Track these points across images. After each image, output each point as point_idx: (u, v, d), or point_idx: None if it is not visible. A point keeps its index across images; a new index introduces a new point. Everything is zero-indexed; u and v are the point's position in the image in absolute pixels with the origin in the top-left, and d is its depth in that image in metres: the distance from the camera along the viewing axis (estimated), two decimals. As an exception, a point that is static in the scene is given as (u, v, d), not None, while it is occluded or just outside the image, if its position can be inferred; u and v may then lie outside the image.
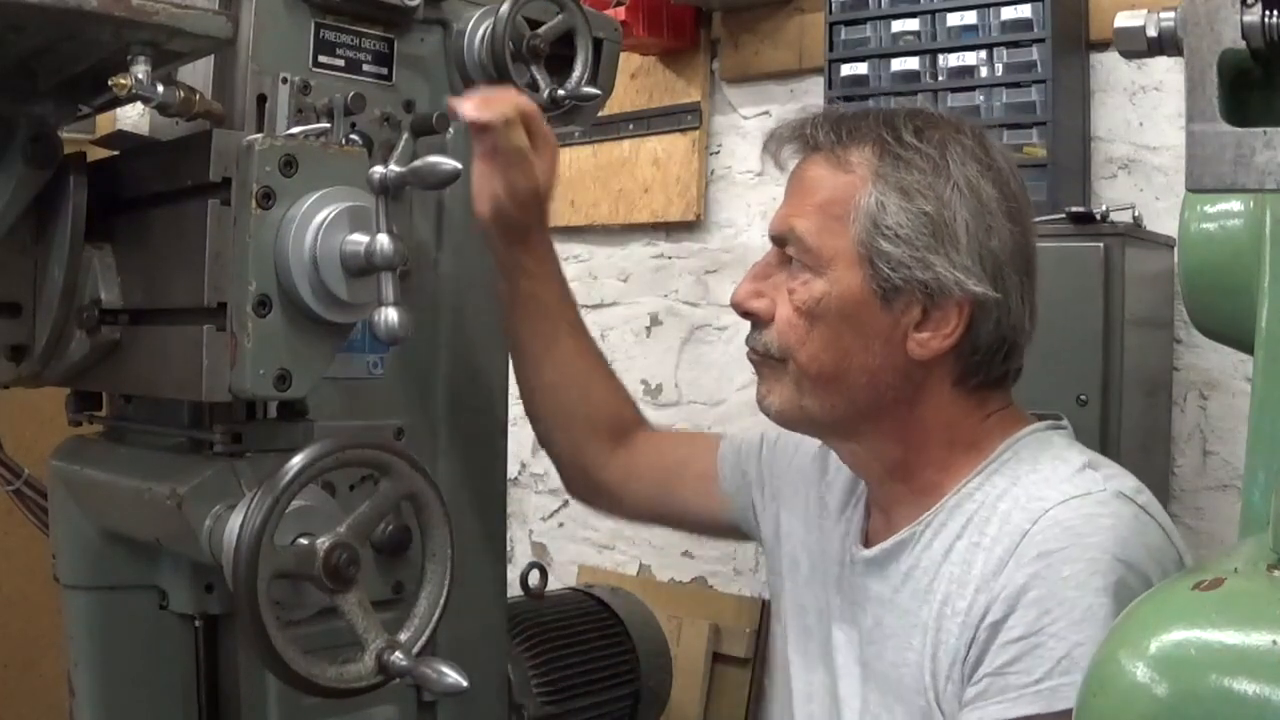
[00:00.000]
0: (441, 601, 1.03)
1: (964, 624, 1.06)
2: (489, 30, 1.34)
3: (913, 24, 2.09)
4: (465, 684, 0.99)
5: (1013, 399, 1.20)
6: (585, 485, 1.50)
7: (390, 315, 1.01)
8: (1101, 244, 1.68)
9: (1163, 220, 1.89)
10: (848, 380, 1.13)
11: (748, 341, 1.20)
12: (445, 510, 1.03)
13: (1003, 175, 1.14)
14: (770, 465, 1.40)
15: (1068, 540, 1.02)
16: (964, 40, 2.03)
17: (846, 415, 1.15)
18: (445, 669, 0.99)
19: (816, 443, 1.31)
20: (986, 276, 1.10)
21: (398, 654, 0.99)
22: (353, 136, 1.24)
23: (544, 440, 1.48)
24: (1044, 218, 1.81)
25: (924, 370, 1.13)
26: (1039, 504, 1.06)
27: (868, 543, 1.21)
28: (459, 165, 1.02)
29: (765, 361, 1.18)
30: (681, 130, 2.67)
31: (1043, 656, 0.99)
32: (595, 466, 1.46)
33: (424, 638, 1.02)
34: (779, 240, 1.17)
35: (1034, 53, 1.96)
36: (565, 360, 1.40)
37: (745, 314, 1.19)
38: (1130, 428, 1.71)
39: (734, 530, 1.46)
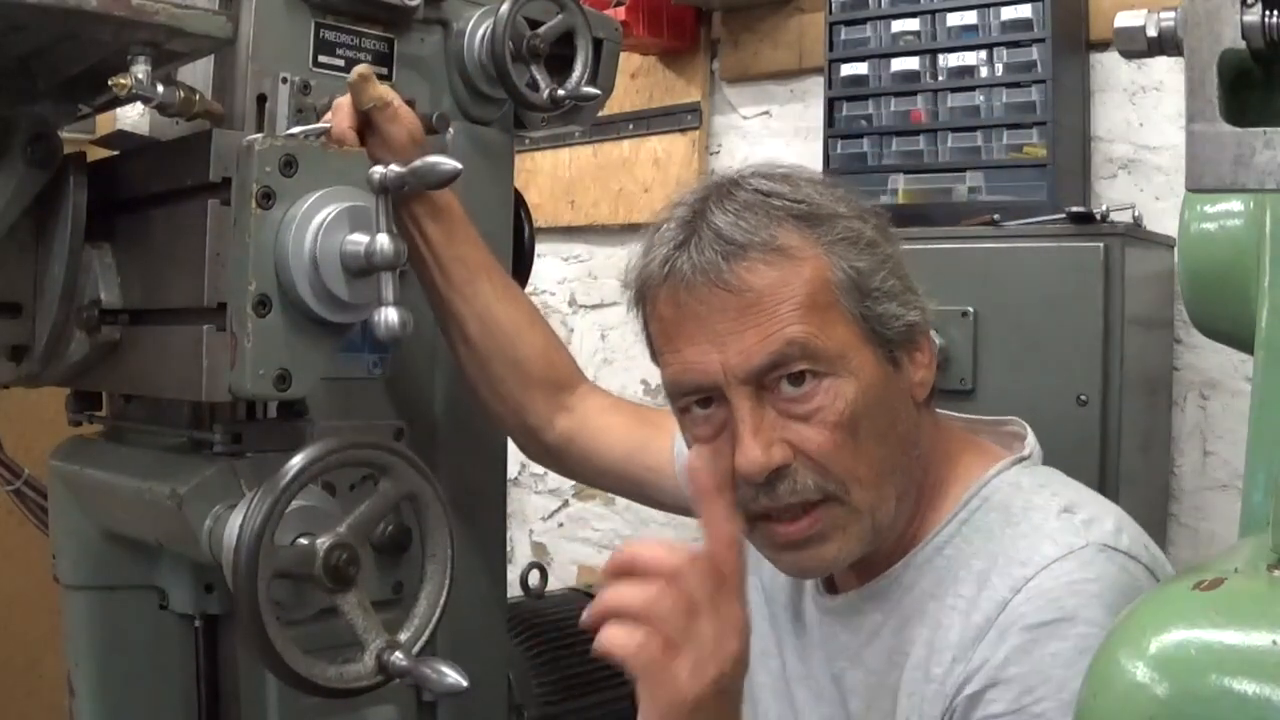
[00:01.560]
0: (441, 601, 1.03)
1: (939, 693, 1.00)
2: (489, 30, 1.34)
3: (913, 24, 2.09)
4: (465, 684, 0.99)
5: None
6: (533, 448, 1.42)
7: (390, 315, 1.01)
8: (1101, 244, 1.67)
9: (1163, 220, 1.89)
10: (896, 464, 1.03)
11: (779, 501, 0.99)
12: (445, 510, 1.03)
13: (848, 192, 1.07)
14: None
15: (1053, 614, 0.95)
16: (964, 40, 2.03)
17: (895, 506, 1.03)
18: (445, 669, 0.99)
19: None
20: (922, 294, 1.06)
21: (398, 654, 0.99)
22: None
23: (481, 403, 1.38)
24: (1044, 218, 1.82)
25: (919, 413, 1.06)
26: (1020, 570, 0.98)
27: (831, 586, 1.14)
28: (459, 165, 1.02)
29: (814, 520, 1.00)
30: (681, 130, 2.67)
31: None
32: (536, 428, 1.37)
33: (424, 638, 1.02)
34: (770, 368, 0.99)
35: (1034, 53, 1.96)
36: (488, 307, 1.31)
37: (773, 472, 0.99)
38: (1130, 428, 1.70)
39: (690, 513, 1.41)
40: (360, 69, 1.18)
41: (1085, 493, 1.08)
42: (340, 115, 1.18)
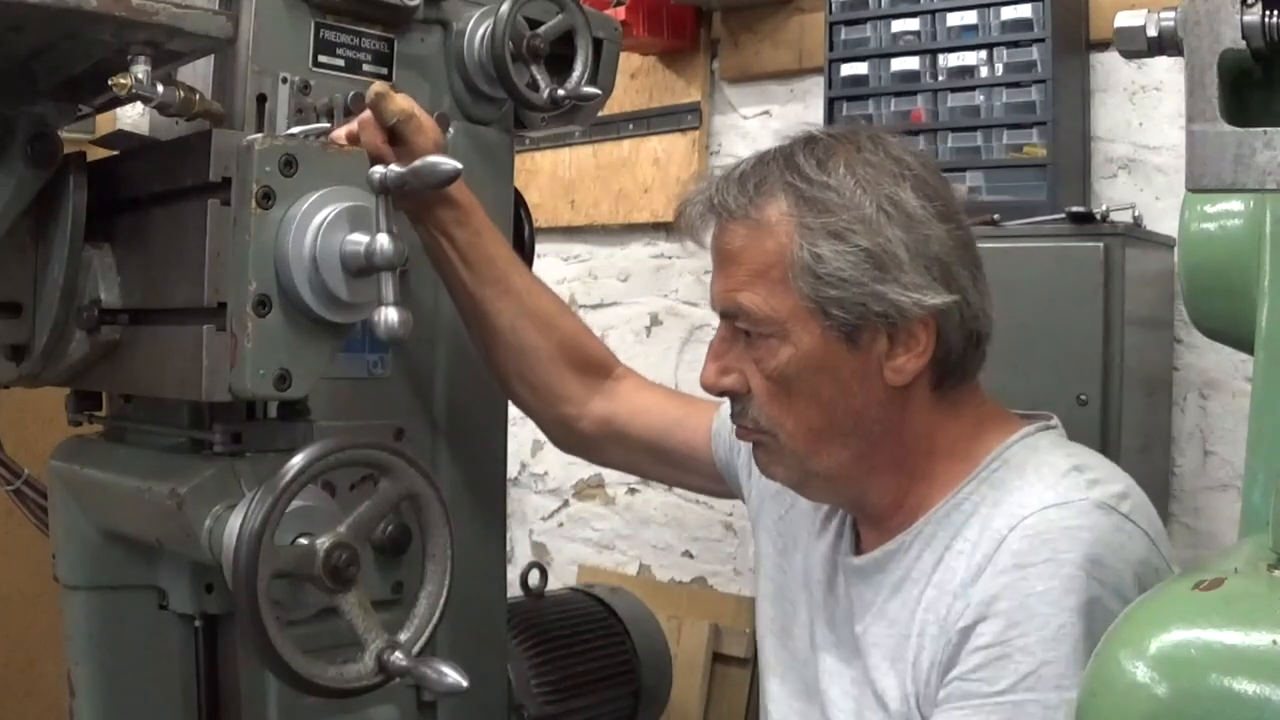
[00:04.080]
0: (441, 601, 1.03)
1: (941, 629, 1.06)
2: (489, 30, 1.34)
3: (913, 24, 2.08)
4: (465, 684, 0.99)
5: (983, 391, 1.19)
6: (568, 439, 1.48)
7: (390, 315, 1.01)
8: (1101, 244, 1.67)
9: (1163, 220, 1.89)
10: (838, 429, 1.12)
11: (734, 419, 1.18)
12: (445, 510, 1.03)
13: (918, 176, 1.12)
14: None
15: (1044, 553, 1.01)
16: (964, 40, 2.03)
17: (847, 463, 1.14)
18: (445, 669, 0.99)
19: None
20: (939, 284, 1.09)
21: (398, 654, 0.99)
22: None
23: (515, 399, 1.44)
24: (1044, 218, 1.82)
25: (904, 393, 1.12)
26: (1018, 510, 1.05)
27: (858, 550, 1.21)
28: (459, 165, 1.02)
29: (757, 434, 1.16)
30: (681, 130, 2.67)
31: (1008, 669, 0.99)
32: (572, 417, 1.43)
33: (424, 638, 1.02)
34: (727, 315, 1.16)
35: (1034, 53, 1.95)
36: (518, 302, 1.37)
37: (720, 393, 1.18)
38: (1130, 428, 1.70)
39: (726, 492, 1.46)
40: (377, 86, 1.20)
41: (1103, 462, 1.14)
42: (369, 131, 1.21)
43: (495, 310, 1.35)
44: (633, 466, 1.56)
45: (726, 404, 1.39)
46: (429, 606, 1.03)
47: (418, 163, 1.02)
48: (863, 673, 1.15)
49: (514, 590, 1.61)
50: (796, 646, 1.25)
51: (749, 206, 1.13)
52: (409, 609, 1.04)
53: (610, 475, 2.79)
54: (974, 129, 2.01)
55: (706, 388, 1.17)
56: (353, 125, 1.22)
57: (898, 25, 2.10)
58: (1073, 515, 1.03)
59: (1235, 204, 1.16)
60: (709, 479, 1.45)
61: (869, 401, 1.12)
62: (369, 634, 1.00)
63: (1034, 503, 1.05)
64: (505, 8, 1.31)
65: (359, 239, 1.01)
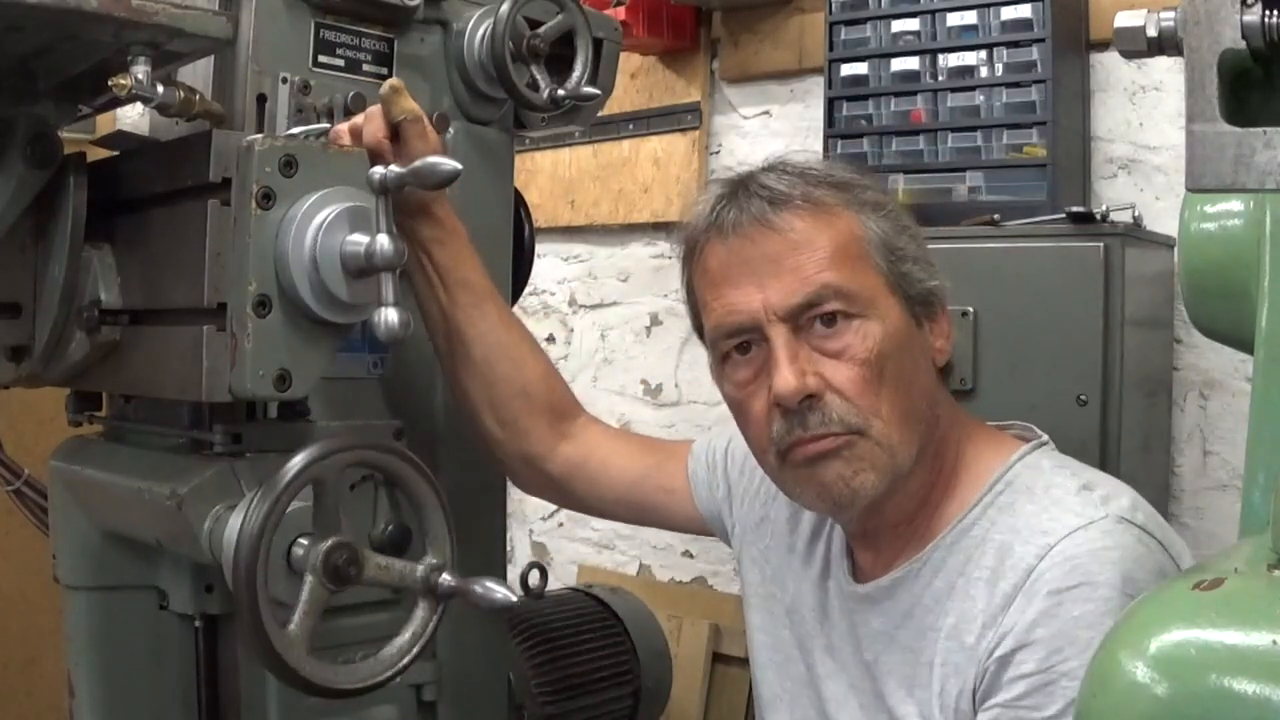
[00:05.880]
0: (448, 523, 1.03)
1: (971, 658, 1.05)
2: (489, 30, 1.34)
3: (913, 24, 2.08)
4: (514, 598, 1.00)
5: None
6: (533, 479, 1.42)
7: (390, 315, 1.01)
8: (1101, 244, 1.67)
9: (1163, 220, 1.89)
10: (918, 413, 1.10)
11: (798, 430, 1.07)
12: (406, 455, 1.02)
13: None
14: (736, 479, 1.37)
15: (1078, 578, 1.01)
16: (964, 40, 2.03)
17: (915, 458, 1.10)
18: (492, 584, 1.00)
19: None
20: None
21: (445, 575, 1.00)
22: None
23: (483, 431, 1.37)
24: (1044, 218, 1.82)
25: (939, 380, 1.15)
26: (1043, 539, 1.05)
27: (859, 577, 1.19)
28: (459, 165, 1.02)
29: (840, 440, 1.07)
30: (681, 130, 2.67)
31: (1055, 694, 0.99)
32: (539, 456, 1.38)
33: (449, 551, 1.02)
34: (806, 307, 1.07)
35: (1034, 53, 1.96)
36: (493, 331, 1.32)
37: (805, 398, 1.06)
38: (1130, 428, 1.70)
39: (707, 533, 1.44)
40: (392, 81, 1.20)
41: (1102, 475, 1.14)
42: (374, 125, 1.19)
43: (469, 338, 1.31)
44: (601, 510, 1.49)
45: (700, 445, 1.41)
46: (440, 529, 1.03)
47: (418, 163, 1.02)
48: (875, 699, 1.14)
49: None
50: (795, 674, 1.25)
51: (803, 188, 1.10)
52: (410, 608, 1.03)
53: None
54: (974, 129, 2.01)
55: (789, 395, 1.06)
56: (358, 119, 1.21)
57: (898, 25, 2.10)
58: (1098, 536, 1.03)
59: (1235, 204, 1.16)
60: (687, 521, 1.42)
61: (930, 382, 1.13)
62: (406, 577, 1.00)
63: (1057, 528, 1.05)
64: (505, 8, 1.31)
65: (359, 239, 1.01)
